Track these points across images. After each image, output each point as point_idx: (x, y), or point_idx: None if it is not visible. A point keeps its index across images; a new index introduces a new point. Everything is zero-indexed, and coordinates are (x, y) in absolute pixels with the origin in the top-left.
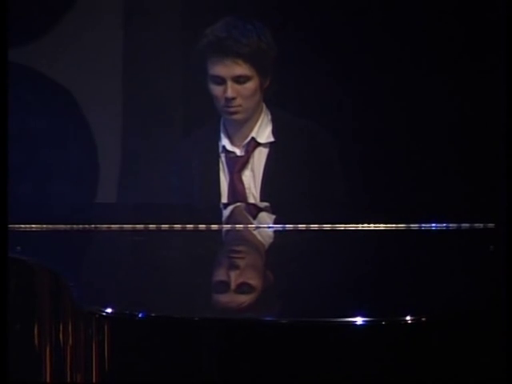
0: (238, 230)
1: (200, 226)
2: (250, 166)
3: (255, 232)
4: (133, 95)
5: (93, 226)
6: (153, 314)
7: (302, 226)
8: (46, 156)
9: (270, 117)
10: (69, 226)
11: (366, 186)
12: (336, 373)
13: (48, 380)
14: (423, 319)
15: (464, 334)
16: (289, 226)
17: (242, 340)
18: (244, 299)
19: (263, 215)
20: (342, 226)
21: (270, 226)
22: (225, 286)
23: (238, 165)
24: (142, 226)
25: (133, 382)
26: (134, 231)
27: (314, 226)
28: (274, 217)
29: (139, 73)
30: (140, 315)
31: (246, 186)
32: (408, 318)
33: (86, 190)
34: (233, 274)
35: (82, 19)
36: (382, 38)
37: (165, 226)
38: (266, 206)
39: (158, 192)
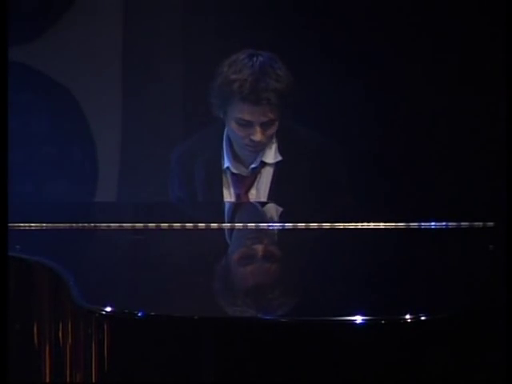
0: (237, 229)
1: (200, 224)
2: (255, 185)
3: (255, 231)
4: (133, 94)
5: (92, 224)
6: (152, 314)
7: (301, 225)
8: (46, 155)
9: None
10: (68, 224)
11: (365, 185)
12: (336, 372)
13: (47, 379)
14: (423, 318)
15: (463, 333)
16: (288, 225)
17: (242, 339)
18: (243, 298)
19: (269, 208)
20: (341, 225)
21: (270, 225)
22: (224, 286)
23: (245, 186)
24: (141, 224)
25: (132, 381)
26: (134, 230)
27: (314, 225)
28: (280, 209)
29: (139, 72)
30: (140, 314)
31: None
32: (408, 317)
33: (86, 189)
34: (232, 274)
35: (81, 18)
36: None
37: (164, 225)
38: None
39: (158, 191)
